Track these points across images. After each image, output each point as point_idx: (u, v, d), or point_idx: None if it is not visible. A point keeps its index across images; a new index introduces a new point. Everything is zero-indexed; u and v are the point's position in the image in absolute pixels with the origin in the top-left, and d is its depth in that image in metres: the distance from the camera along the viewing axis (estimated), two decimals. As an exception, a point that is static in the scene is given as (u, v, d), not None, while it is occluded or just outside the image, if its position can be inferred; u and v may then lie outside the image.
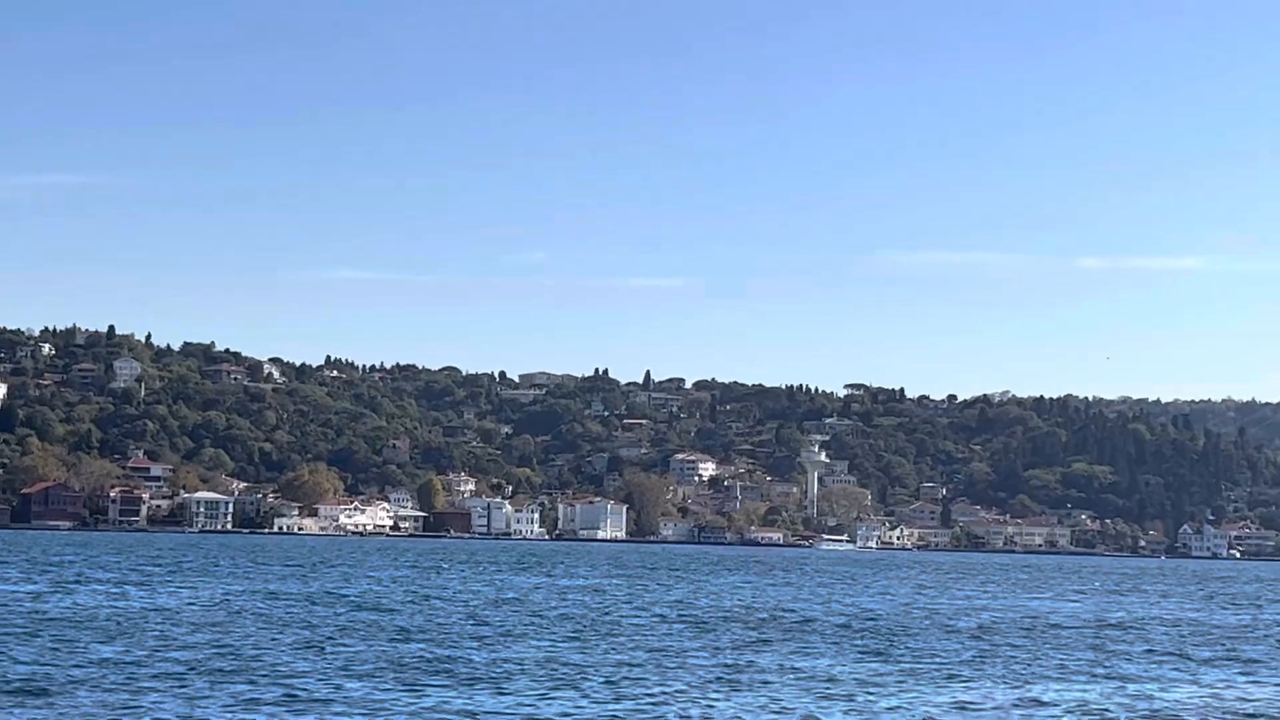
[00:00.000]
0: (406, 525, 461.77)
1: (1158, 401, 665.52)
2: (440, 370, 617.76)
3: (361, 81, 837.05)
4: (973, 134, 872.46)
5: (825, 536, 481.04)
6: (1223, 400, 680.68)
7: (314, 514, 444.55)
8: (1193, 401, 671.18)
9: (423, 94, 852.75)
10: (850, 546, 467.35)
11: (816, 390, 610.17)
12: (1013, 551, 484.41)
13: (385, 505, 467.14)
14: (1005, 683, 65.09)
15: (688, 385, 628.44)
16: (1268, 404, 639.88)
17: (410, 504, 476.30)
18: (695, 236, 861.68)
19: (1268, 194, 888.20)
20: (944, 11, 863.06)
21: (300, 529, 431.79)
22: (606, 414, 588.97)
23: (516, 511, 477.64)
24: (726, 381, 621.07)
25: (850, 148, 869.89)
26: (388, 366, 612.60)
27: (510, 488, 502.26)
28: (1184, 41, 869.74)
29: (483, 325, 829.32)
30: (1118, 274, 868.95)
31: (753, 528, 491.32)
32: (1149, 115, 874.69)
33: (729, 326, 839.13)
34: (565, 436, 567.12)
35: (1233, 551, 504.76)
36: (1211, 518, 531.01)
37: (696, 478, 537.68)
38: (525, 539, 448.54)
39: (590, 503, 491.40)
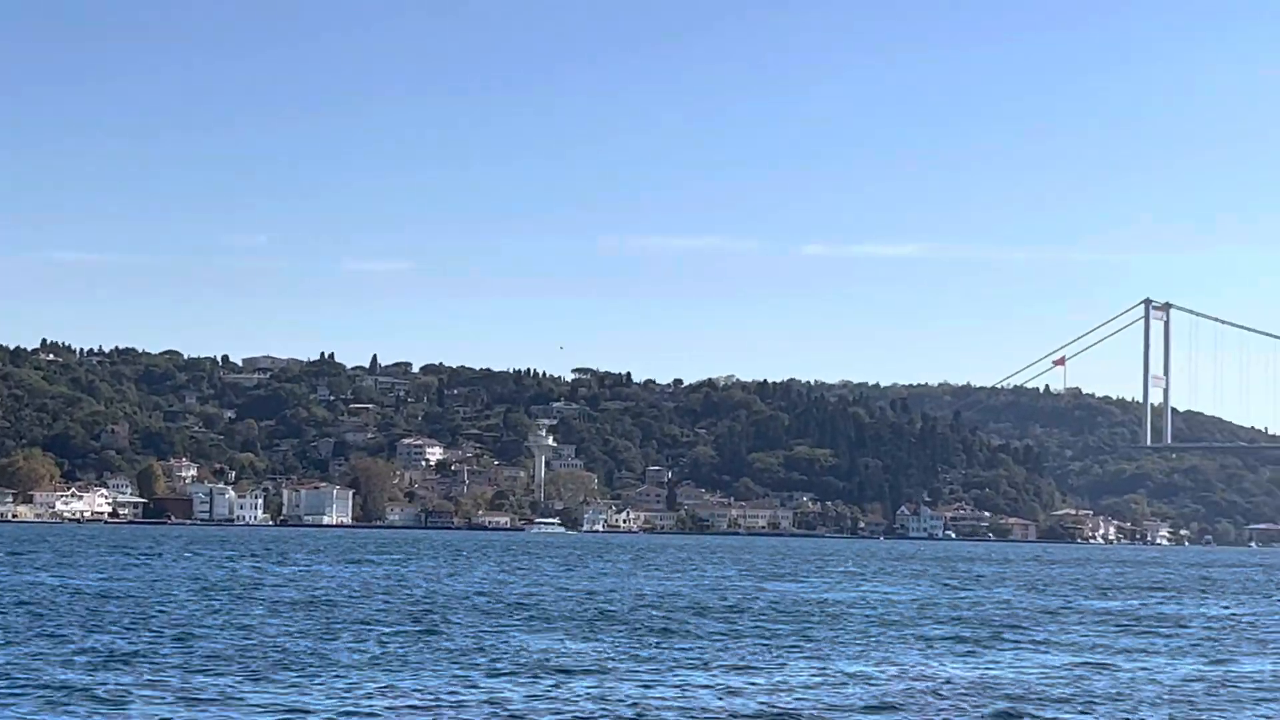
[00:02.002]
0: (126, 512, 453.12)
1: (877, 386, 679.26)
2: (161, 354, 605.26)
3: (72, 58, 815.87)
4: (700, 120, 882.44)
5: (538, 520, 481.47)
6: (939, 385, 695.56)
7: (29, 501, 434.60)
8: (910, 386, 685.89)
9: (139, 71, 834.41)
10: (562, 530, 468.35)
11: (544, 375, 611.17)
12: (737, 533, 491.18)
13: (104, 492, 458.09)
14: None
15: (415, 369, 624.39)
16: (982, 388, 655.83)
17: (130, 490, 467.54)
18: (421, 219, 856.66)
19: (982, 183, 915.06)
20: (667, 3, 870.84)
21: (15, 516, 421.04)
22: (332, 398, 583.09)
23: (240, 497, 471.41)
24: (454, 365, 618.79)
25: (579, 132, 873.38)
26: (106, 350, 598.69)
27: (233, 473, 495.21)
28: (898, 37, 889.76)
29: (204, 308, 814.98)
30: (840, 261, 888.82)
31: (480, 512, 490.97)
32: (867, 105, 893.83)
33: (456, 310, 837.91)
34: (290, 421, 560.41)
35: (948, 532, 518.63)
36: (928, 499, 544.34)
37: (424, 462, 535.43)
38: (249, 525, 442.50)
39: (316, 488, 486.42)
